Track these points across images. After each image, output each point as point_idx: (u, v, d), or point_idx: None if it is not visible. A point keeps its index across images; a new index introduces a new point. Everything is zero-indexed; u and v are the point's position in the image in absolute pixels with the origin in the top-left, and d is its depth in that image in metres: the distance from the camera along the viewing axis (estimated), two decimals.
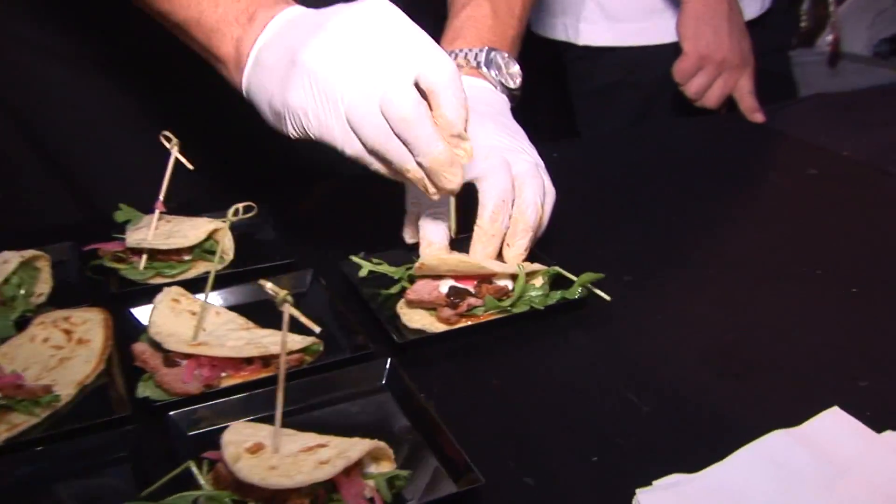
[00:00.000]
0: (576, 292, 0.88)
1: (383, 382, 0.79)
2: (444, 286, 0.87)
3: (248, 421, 0.74)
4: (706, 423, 0.74)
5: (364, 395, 0.78)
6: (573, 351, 0.85)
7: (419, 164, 0.80)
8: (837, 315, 0.89)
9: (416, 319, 0.87)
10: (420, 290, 0.87)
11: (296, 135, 0.82)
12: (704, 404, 0.76)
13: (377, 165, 0.82)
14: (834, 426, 0.70)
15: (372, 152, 0.80)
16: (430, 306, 0.87)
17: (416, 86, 0.78)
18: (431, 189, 0.83)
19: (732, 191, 1.19)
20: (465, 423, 0.74)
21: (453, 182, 0.81)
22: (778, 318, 0.89)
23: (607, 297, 0.89)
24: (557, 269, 0.90)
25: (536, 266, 0.91)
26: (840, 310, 0.90)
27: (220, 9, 0.84)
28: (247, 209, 0.81)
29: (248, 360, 0.80)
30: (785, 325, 0.87)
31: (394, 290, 0.91)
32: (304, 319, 0.66)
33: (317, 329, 0.67)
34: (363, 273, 0.94)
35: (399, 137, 0.78)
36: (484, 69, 1.03)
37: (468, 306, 0.86)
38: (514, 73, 1.05)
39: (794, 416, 0.73)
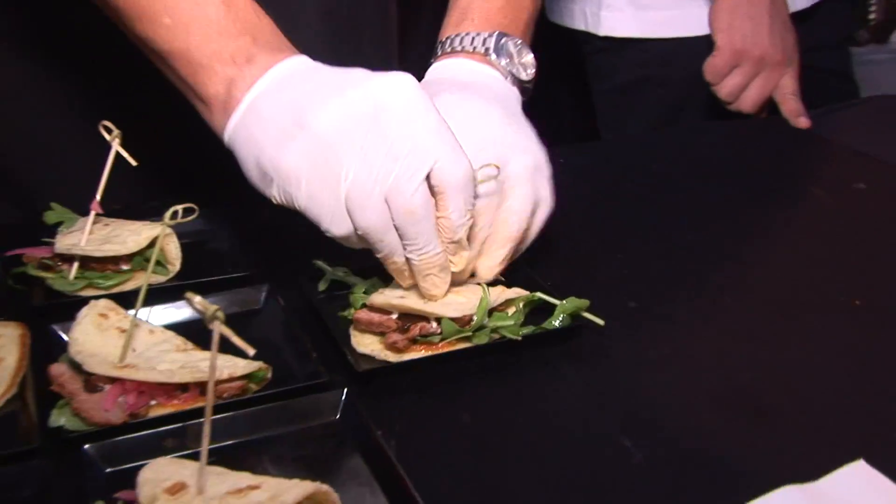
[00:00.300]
0: (555, 321, 0.87)
1: (337, 416, 0.78)
2: (395, 313, 0.87)
3: (177, 458, 0.73)
4: (710, 476, 0.73)
5: (315, 430, 0.77)
6: (559, 387, 0.83)
7: (407, 258, 0.83)
8: (875, 353, 0.87)
9: (366, 343, 0.86)
10: (368, 314, 0.87)
11: (279, 201, 0.83)
12: (710, 453, 0.75)
13: (359, 245, 0.84)
14: (856, 483, 0.68)
15: (362, 237, 0.82)
16: (378, 330, 0.86)
17: (427, 179, 0.80)
18: (407, 282, 0.86)
19: (766, 206, 1.18)
20: (428, 468, 0.73)
21: (438, 288, 0.85)
22: (804, 355, 0.87)
23: (600, 322, 0.87)
24: (540, 295, 0.89)
25: (513, 292, 0.89)
26: (878, 347, 0.88)
27: (213, 44, 0.83)
28: (187, 211, 0.81)
29: (184, 387, 0.79)
30: (811, 364, 0.85)
31: (346, 313, 0.90)
32: (236, 340, 0.65)
33: (251, 351, 0.66)
34: (323, 285, 0.93)
35: (397, 228, 0.81)
36: (493, 57, 1.02)
37: (421, 331, 0.85)
38: (527, 63, 1.04)
39: (813, 469, 0.71)
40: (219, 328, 0.65)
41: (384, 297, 0.87)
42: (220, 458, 0.73)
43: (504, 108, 0.97)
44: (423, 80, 1.03)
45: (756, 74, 1.41)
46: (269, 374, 0.82)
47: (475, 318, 0.86)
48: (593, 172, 1.30)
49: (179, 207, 0.80)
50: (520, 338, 0.86)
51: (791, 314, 0.93)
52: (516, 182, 0.90)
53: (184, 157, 1.11)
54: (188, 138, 1.12)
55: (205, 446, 0.66)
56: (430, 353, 0.85)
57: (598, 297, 0.89)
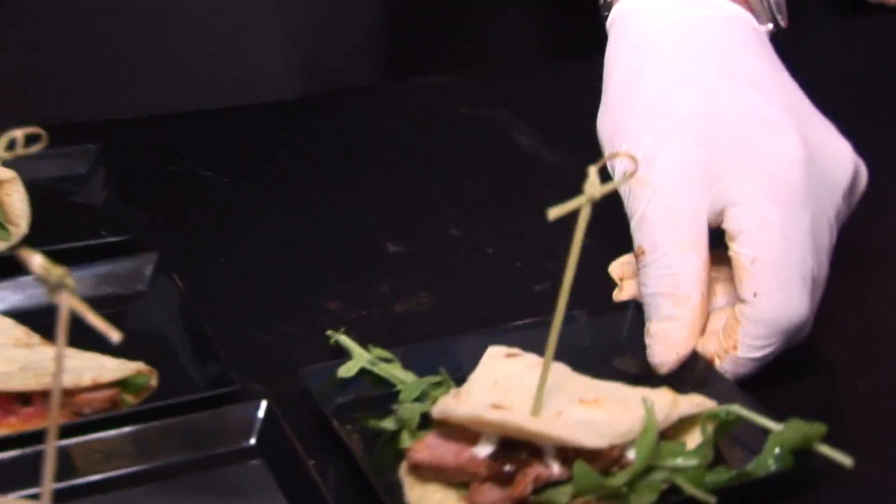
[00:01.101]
0: (769, 461, 0.77)
1: (253, 440, 0.81)
2: (485, 445, 0.75)
3: (16, 500, 0.74)
4: None
5: (221, 459, 0.80)
6: None
7: None
8: None
9: (433, 500, 0.75)
10: (438, 447, 0.76)
11: None
12: None
13: None
14: None
15: None
16: (456, 478, 0.76)
17: None
18: None
19: None
20: None
21: None
22: None
23: (847, 462, 0.76)
24: (737, 409, 0.80)
25: (693, 403, 0.80)
26: None
27: None
28: (31, 139, 0.82)
29: (26, 398, 0.81)
30: None
31: (386, 423, 0.81)
32: (92, 319, 0.67)
33: (114, 337, 0.67)
34: (349, 371, 0.86)
35: None
36: None
37: (536, 482, 0.74)
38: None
39: None
40: (68, 302, 0.67)
41: (469, 405, 0.76)
42: (80, 498, 0.75)
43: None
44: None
45: None
46: (155, 381, 0.84)
47: (632, 454, 0.75)
48: None
49: (19, 133, 0.82)
50: (713, 500, 0.74)
51: None
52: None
53: (41, 63, 1.14)
54: (46, 35, 1.14)
55: (48, 482, 0.68)
56: None
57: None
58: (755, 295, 0.83)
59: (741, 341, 0.84)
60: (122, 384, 0.83)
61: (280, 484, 0.78)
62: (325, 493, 0.75)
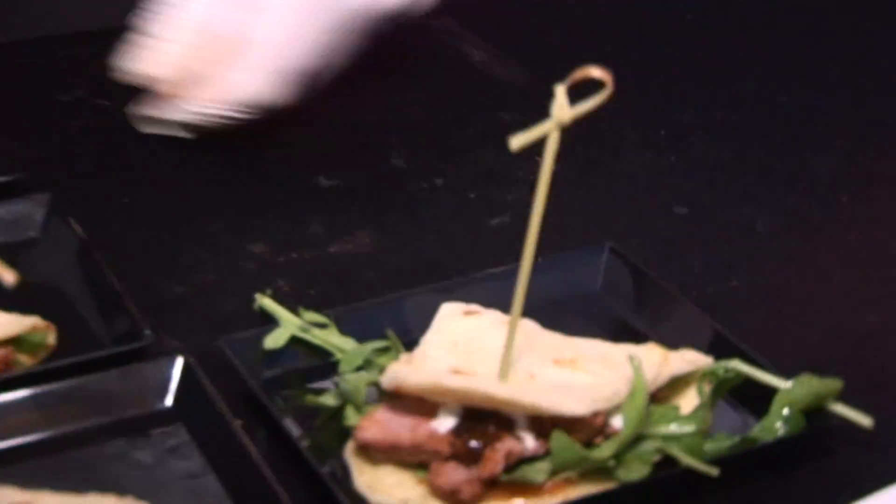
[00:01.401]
0: (777, 424, 0.78)
1: (169, 403, 0.83)
2: (445, 418, 0.76)
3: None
4: None
5: (133, 424, 0.81)
6: None
7: None
8: None
9: (385, 481, 0.76)
10: (389, 422, 0.76)
11: None
12: None
13: None
14: None
15: None
16: (412, 458, 0.76)
17: None
18: None
19: None
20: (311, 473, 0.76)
21: None
22: None
23: (867, 423, 0.79)
24: (738, 365, 0.79)
25: (685, 360, 0.81)
26: None
27: None
28: None
29: None
30: None
31: (326, 399, 0.81)
32: None
33: (10, 278, 0.70)
34: (277, 342, 0.85)
35: None
36: None
37: (508, 459, 0.74)
38: None
39: None
40: None
41: (425, 372, 0.76)
42: None
43: None
44: None
45: None
46: (53, 338, 0.86)
47: (618, 421, 0.76)
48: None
49: None
50: (714, 472, 0.74)
51: None
52: None
53: None
54: None
55: None
56: (530, 501, 0.75)
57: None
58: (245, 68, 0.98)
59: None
60: (16, 342, 0.85)
61: (202, 449, 0.80)
62: (254, 457, 0.76)
